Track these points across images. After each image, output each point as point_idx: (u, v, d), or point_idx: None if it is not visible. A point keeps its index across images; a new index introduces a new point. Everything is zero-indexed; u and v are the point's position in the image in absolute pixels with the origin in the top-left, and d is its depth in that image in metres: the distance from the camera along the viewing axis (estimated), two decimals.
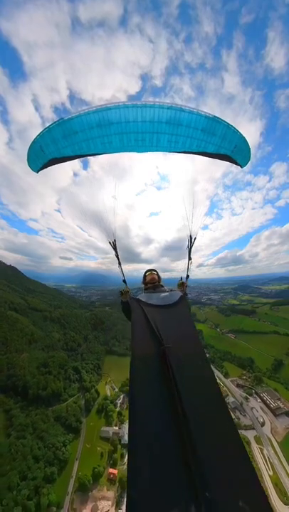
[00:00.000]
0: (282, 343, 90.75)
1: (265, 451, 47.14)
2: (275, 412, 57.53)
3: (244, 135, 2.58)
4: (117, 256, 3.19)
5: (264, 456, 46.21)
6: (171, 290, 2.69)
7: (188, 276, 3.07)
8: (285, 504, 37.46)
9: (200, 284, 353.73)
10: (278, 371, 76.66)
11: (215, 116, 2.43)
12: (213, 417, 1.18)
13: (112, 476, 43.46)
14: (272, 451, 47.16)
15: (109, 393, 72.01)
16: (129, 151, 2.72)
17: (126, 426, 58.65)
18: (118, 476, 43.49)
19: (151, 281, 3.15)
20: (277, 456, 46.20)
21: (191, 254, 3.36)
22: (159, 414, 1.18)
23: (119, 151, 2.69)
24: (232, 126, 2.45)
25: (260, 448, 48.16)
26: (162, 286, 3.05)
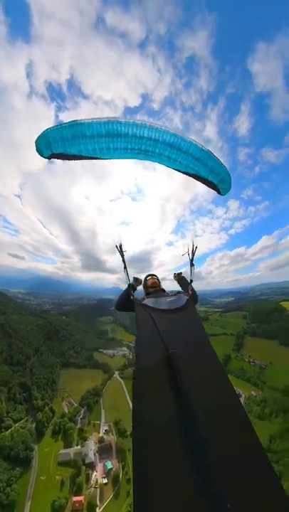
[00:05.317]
0: (229, 341, 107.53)
1: None
2: None
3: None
4: (124, 260, 3.01)
5: None
6: (177, 293, 2.67)
7: (192, 280, 3.03)
8: None
9: None
10: (227, 364, 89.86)
11: (209, 151, 2.92)
12: (229, 421, 1.08)
13: (77, 505, 36.32)
14: None
15: (66, 410, 61.82)
16: (131, 158, 2.94)
17: (89, 443, 51.15)
18: (85, 503, 36.79)
19: (153, 286, 3.10)
20: None
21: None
22: (168, 431, 1.03)
23: (120, 158, 2.92)
24: (220, 161, 3.01)
25: None
26: (164, 290, 3.01)
